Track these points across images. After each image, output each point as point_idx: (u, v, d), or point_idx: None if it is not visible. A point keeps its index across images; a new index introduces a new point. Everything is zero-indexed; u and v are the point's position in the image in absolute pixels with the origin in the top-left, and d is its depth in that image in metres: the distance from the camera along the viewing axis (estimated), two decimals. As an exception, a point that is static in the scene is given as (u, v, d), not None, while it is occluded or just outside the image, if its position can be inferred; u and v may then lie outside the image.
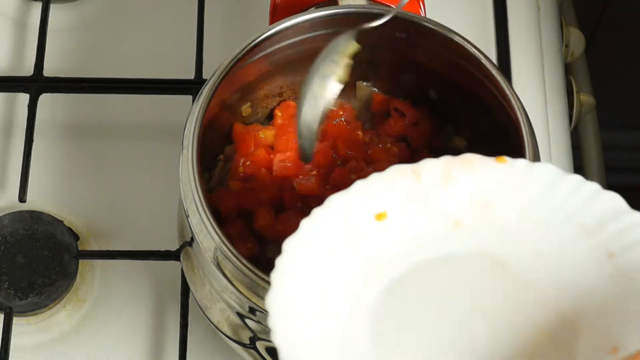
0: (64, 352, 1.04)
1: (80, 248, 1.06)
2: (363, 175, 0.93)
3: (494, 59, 1.15)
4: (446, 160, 0.80)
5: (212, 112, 0.94)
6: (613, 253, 0.77)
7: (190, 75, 1.11)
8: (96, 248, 1.07)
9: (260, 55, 0.95)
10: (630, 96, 1.78)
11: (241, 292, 0.86)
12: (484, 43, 0.89)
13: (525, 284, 0.76)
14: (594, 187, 0.79)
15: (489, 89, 0.93)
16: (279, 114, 1.02)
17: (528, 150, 0.89)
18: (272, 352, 0.89)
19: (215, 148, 1.00)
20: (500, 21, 1.18)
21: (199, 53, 1.11)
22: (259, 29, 0.94)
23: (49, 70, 1.11)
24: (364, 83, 1.03)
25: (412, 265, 0.77)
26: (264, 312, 0.85)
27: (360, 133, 1.00)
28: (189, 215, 0.88)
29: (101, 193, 1.10)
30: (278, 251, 0.76)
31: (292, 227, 0.80)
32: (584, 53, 1.23)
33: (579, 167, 1.18)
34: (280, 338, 0.73)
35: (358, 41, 0.93)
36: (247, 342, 0.91)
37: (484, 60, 0.92)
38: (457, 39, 0.93)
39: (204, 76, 1.10)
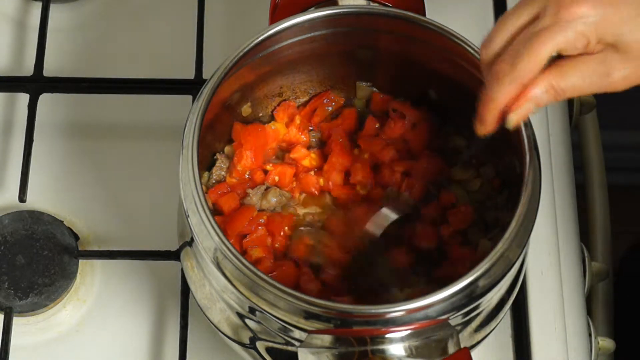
0: (64, 352, 1.04)
1: (80, 248, 1.06)
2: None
3: (494, 59, 1.15)
4: None
5: (212, 112, 0.94)
6: None
7: (190, 75, 1.11)
8: (96, 248, 1.07)
9: (260, 55, 0.95)
10: (630, 96, 1.78)
11: (241, 292, 0.86)
12: (484, 43, 0.90)
13: None
14: None
15: (489, 89, 0.93)
16: (280, 114, 1.02)
17: (528, 151, 0.89)
18: (272, 352, 0.89)
19: (215, 148, 1.00)
20: (500, 21, 1.18)
21: (199, 53, 1.11)
22: (259, 29, 0.94)
23: (49, 70, 1.11)
24: (364, 83, 1.03)
25: None
26: (264, 312, 0.85)
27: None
28: (189, 215, 0.88)
29: (101, 193, 1.10)
30: None
31: None
32: (584, 53, 1.23)
33: (578, 167, 1.18)
34: None
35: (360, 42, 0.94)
36: (247, 342, 0.91)
37: (484, 61, 0.92)
38: (457, 39, 0.93)
39: (204, 76, 1.10)
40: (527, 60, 0.79)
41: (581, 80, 0.79)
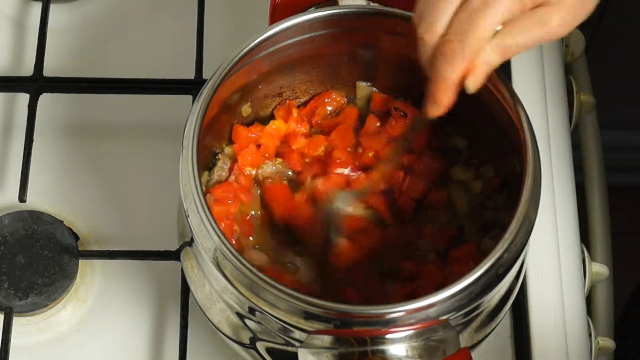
0: (64, 352, 1.04)
1: (80, 248, 1.06)
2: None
3: (494, 59, 1.15)
4: None
5: (212, 112, 0.94)
6: None
7: (190, 75, 1.11)
8: (96, 248, 1.07)
9: (260, 55, 0.95)
10: (630, 96, 1.78)
11: (241, 293, 0.86)
12: (484, 43, 0.90)
13: None
14: None
15: (489, 89, 0.93)
16: (280, 113, 1.02)
17: (528, 151, 0.89)
18: (272, 352, 0.89)
19: (215, 148, 1.00)
20: (500, 21, 1.18)
21: (199, 53, 1.11)
22: (259, 29, 0.94)
23: (49, 70, 1.11)
24: (364, 83, 1.03)
25: None
26: (264, 313, 0.85)
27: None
28: (189, 215, 0.88)
29: (101, 193, 1.10)
30: None
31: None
32: (584, 53, 1.23)
33: (579, 167, 1.18)
34: None
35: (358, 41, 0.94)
36: (247, 342, 0.91)
37: (484, 61, 0.93)
38: (457, 39, 0.93)
39: (204, 76, 1.10)
40: (476, 37, 0.82)
41: (524, 36, 0.83)
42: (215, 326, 0.94)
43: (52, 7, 1.15)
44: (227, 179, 0.99)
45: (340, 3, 0.99)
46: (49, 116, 1.12)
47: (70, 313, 1.05)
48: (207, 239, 0.87)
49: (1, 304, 1.02)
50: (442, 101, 0.86)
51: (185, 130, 0.90)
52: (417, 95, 1.02)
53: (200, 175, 0.88)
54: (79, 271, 1.05)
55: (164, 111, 1.12)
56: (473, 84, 0.85)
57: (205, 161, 0.99)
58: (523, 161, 0.89)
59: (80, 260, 1.05)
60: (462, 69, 0.83)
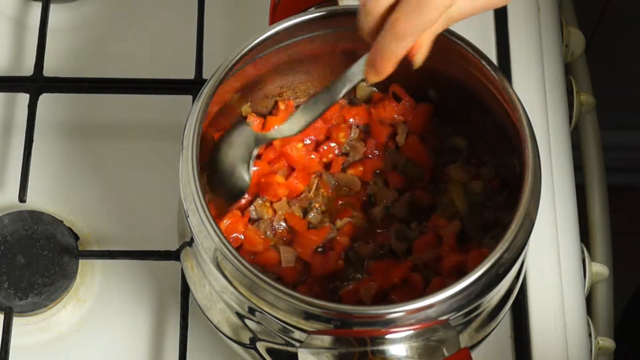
0: (64, 352, 1.04)
1: (80, 248, 1.06)
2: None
3: (494, 59, 1.15)
4: None
5: (212, 112, 0.94)
6: None
7: (190, 75, 1.11)
8: (96, 248, 1.07)
9: (260, 55, 0.95)
10: (630, 96, 1.78)
11: (241, 293, 0.86)
12: (484, 43, 0.89)
13: None
14: None
15: (489, 89, 0.93)
16: (282, 106, 1.02)
17: (528, 151, 0.89)
18: (272, 352, 0.89)
19: (215, 148, 1.00)
20: (500, 21, 1.18)
21: (199, 53, 1.11)
22: (259, 29, 0.94)
23: (49, 70, 1.11)
24: (364, 83, 1.03)
25: None
26: (264, 313, 0.85)
27: None
28: (189, 215, 0.88)
29: (101, 193, 1.10)
30: None
31: None
32: (584, 53, 1.23)
33: (579, 167, 1.18)
34: None
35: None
36: (247, 342, 0.91)
37: (483, 61, 0.93)
38: (457, 39, 0.93)
39: (204, 76, 1.10)
40: (429, 17, 0.80)
41: (472, 3, 0.82)
42: (215, 326, 0.94)
43: (52, 7, 1.15)
44: None
45: (340, 3, 0.99)
46: (49, 116, 1.12)
47: (70, 313, 1.05)
48: (207, 239, 0.87)
49: (1, 304, 1.02)
50: (384, 71, 0.84)
51: (185, 130, 0.90)
52: (417, 95, 1.02)
53: (200, 176, 0.88)
54: (79, 271, 1.05)
55: (164, 111, 1.12)
56: (420, 58, 0.84)
57: (206, 161, 0.99)
58: (523, 161, 0.89)
59: (80, 260, 1.05)
60: (410, 46, 0.82)
